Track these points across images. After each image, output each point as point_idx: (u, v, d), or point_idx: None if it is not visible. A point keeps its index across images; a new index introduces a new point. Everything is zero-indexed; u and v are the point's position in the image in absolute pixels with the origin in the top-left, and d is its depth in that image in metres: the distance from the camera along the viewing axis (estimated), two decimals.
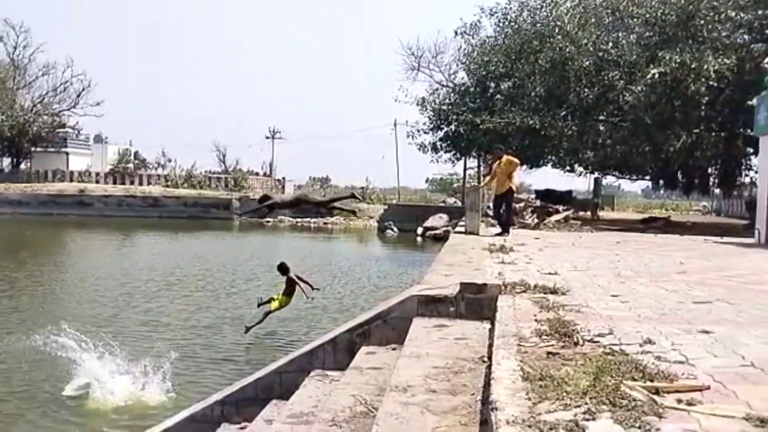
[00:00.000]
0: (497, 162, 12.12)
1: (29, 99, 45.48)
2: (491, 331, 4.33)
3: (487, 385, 3.27)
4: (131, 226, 31.54)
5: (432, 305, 4.95)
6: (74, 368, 7.62)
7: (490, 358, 3.66)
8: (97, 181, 41.46)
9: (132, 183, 41.55)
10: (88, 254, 22.66)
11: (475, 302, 4.81)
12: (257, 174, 49.80)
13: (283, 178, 47.72)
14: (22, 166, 45.67)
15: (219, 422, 5.51)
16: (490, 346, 3.84)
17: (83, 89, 46.16)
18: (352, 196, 14.75)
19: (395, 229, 32.27)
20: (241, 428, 5.31)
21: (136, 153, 48.04)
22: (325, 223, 35.91)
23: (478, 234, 11.44)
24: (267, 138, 55.15)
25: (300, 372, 5.43)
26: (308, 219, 36.50)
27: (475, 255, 7.85)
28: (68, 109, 46.66)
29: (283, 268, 10.16)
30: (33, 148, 45.52)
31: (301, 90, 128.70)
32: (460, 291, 4.86)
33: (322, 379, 5.12)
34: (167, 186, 41.48)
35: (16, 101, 44.21)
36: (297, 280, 10.08)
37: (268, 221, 36.14)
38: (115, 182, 41.45)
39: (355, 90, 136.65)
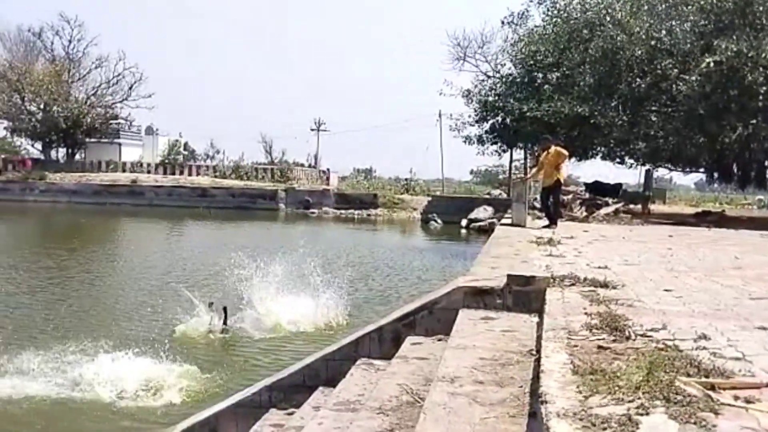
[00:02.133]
0: (545, 153, 11.95)
1: (83, 91, 46.86)
2: (539, 324, 4.30)
3: (535, 377, 3.24)
4: (181, 216, 32.31)
5: (478, 297, 4.93)
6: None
7: (538, 351, 3.63)
8: (149, 172, 42.50)
9: (181, 174, 42.46)
10: (139, 242, 23.34)
11: (523, 295, 4.78)
12: (302, 165, 50.29)
13: (328, 170, 48.05)
14: (77, 156, 47.14)
15: (267, 408, 5.62)
16: (539, 339, 3.81)
17: (135, 82, 47.33)
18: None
19: (439, 221, 32.15)
20: (289, 414, 5.40)
21: (185, 144, 49.07)
22: (368, 215, 36.03)
23: (524, 226, 11.32)
24: (312, 130, 55.67)
25: (346, 360, 5.49)
26: (352, 210, 36.71)
27: (522, 247, 7.78)
28: (121, 101, 47.93)
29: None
30: (87, 139, 46.91)
31: (347, 81, 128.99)
32: (508, 283, 4.84)
33: (368, 368, 5.17)
34: (215, 177, 42.25)
35: (71, 93, 45.58)
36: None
37: (313, 212, 36.50)
38: (165, 173, 42.43)
39: (400, 81, 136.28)
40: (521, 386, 3.22)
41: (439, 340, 4.96)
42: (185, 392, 7.09)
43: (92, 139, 46.83)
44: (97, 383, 7.05)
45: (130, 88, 47.32)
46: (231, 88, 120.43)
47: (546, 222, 11.80)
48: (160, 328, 9.53)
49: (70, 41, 46.83)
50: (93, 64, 47.03)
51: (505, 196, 35.31)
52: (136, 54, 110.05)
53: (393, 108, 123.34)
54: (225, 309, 9.44)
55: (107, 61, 46.74)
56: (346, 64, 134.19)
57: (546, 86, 21.11)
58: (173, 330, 9.47)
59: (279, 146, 53.81)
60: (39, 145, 48.07)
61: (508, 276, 4.85)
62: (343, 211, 36.65)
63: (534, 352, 3.73)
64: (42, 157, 46.39)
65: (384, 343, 5.46)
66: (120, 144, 47.07)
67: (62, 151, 47.96)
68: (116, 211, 34.25)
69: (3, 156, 44.49)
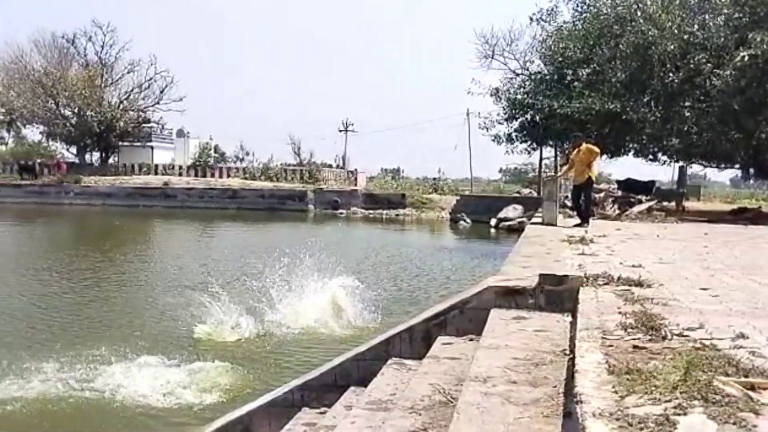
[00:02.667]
0: (576, 151, 11.82)
1: (116, 96, 47.77)
2: (573, 323, 4.26)
3: (570, 377, 3.22)
4: (212, 217, 32.73)
5: (510, 297, 4.90)
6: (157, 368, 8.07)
7: (572, 351, 3.60)
8: (180, 174, 43.11)
9: (212, 176, 42.98)
10: (171, 244, 23.72)
11: (555, 294, 4.74)
12: (330, 166, 50.51)
13: (356, 170, 48.18)
14: (111, 159, 48.06)
15: (299, 407, 5.66)
16: (572, 338, 3.78)
17: (166, 85, 48.09)
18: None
19: (468, 221, 32.00)
20: (321, 413, 5.44)
21: (215, 147, 49.61)
22: (397, 215, 36.03)
23: (555, 225, 11.21)
24: (340, 131, 55.88)
25: (377, 360, 5.50)
26: (380, 210, 36.75)
27: (554, 246, 7.70)
28: (152, 105, 48.75)
29: None
30: (120, 143, 47.78)
31: (374, 82, 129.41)
32: (540, 282, 4.80)
33: (399, 368, 5.18)
34: (245, 178, 42.68)
35: (104, 98, 46.50)
36: None
37: (342, 213, 36.65)
38: (196, 175, 43.00)
39: (427, 80, 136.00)
40: (555, 386, 3.19)
41: (471, 340, 4.94)
42: (218, 391, 7.17)
43: (125, 143, 47.70)
44: (130, 383, 7.15)
45: (162, 92, 48.16)
46: (260, 91, 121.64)
47: (577, 220, 11.67)
48: (192, 328, 9.67)
49: (102, 47, 47.82)
50: (125, 69, 47.97)
51: (535, 194, 34.99)
52: (167, 58, 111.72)
53: (421, 108, 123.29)
54: None
55: (139, 65, 47.64)
56: (374, 65, 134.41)
57: (576, 83, 20.87)
58: (205, 330, 9.60)
59: (307, 147, 54.12)
60: (74, 149, 49.17)
61: (541, 275, 4.81)
62: (371, 212, 36.72)
63: (567, 352, 3.70)
64: (77, 161, 47.40)
65: (415, 342, 5.46)
66: (152, 147, 47.82)
67: (96, 154, 48.93)
68: (149, 213, 34.85)
69: (39, 160, 45.56)
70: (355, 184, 43.09)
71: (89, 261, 17.06)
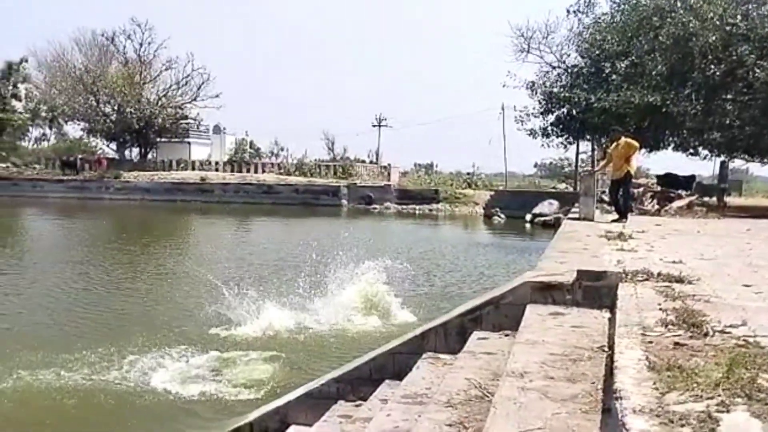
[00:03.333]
0: (614, 145, 11.62)
1: (154, 93, 48.57)
2: (611, 320, 4.21)
3: (609, 374, 3.19)
4: (247, 212, 33.16)
5: (547, 292, 4.87)
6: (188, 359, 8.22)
7: (611, 347, 3.57)
8: (216, 170, 43.71)
9: (248, 171, 43.48)
10: (209, 238, 24.09)
11: (593, 290, 4.69)
12: (363, 161, 50.60)
13: (389, 165, 48.16)
14: (149, 155, 48.98)
15: (335, 399, 5.72)
16: (611, 335, 3.74)
17: (203, 82, 48.76)
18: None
19: (502, 216, 31.75)
20: (356, 406, 5.49)
21: (251, 142, 50.15)
22: (430, 210, 35.95)
23: (593, 220, 11.06)
24: (374, 126, 55.89)
25: (412, 354, 5.53)
26: (413, 205, 36.72)
27: (591, 242, 7.61)
28: (189, 102, 49.46)
29: None
30: (158, 139, 48.67)
31: (407, 76, 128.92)
32: (577, 278, 4.75)
33: (434, 362, 5.19)
34: (280, 174, 43.07)
35: (143, 95, 47.35)
36: None
37: (375, 208, 36.74)
38: (232, 170, 43.55)
39: (462, 74, 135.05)
40: (593, 382, 3.17)
41: (506, 335, 4.93)
42: (253, 384, 7.28)
43: (163, 139, 48.57)
44: (164, 375, 7.32)
45: (199, 89, 48.85)
46: (295, 87, 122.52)
47: (615, 216, 11.49)
48: (226, 322, 9.82)
49: (141, 44, 48.69)
50: (163, 66, 48.78)
51: (571, 189, 34.56)
52: (203, 55, 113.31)
53: (455, 102, 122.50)
54: None
55: (176, 62, 48.40)
56: (408, 59, 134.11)
57: (614, 76, 20.47)
58: (241, 322, 9.74)
59: (341, 143, 54.44)
60: (114, 145, 50.28)
61: (578, 271, 4.76)
62: (404, 207, 36.73)
63: (606, 349, 3.67)
64: (117, 157, 48.45)
65: (450, 337, 5.47)
66: (189, 143, 48.59)
67: (135, 150, 49.93)
68: (186, 208, 35.47)
69: (80, 156, 46.73)
70: (389, 180, 43.09)
71: (128, 254, 17.49)
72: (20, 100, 46.88)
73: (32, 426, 6.18)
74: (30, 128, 49.88)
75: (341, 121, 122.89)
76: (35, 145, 54.14)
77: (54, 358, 7.83)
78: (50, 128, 52.45)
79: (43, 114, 49.11)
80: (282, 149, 50.98)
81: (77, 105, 47.28)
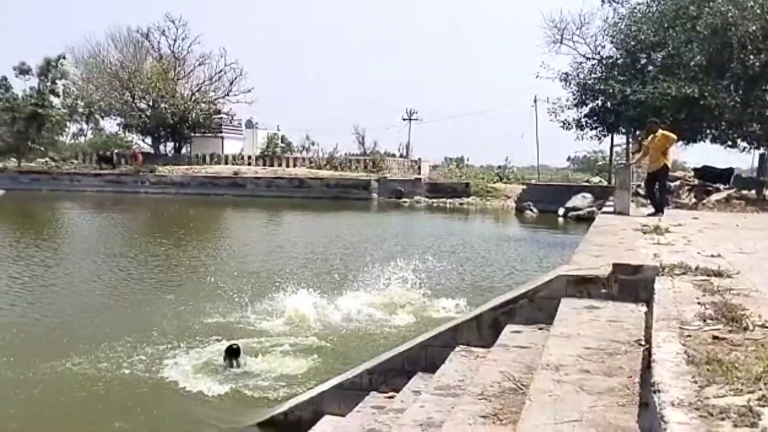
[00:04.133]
0: (650, 137, 11.41)
1: (188, 88, 49.19)
2: (648, 314, 4.16)
3: (646, 367, 3.16)
4: (279, 206, 33.45)
5: (582, 286, 4.83)
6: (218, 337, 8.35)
7: (647, 341, 3.53)
8: (249, 164, 44.16)
9: (279, 165, 43.85)
10: (241, 231, 24.41)
11: (629, 284, 4.64)
12: (393, 155, 50.60)
13: (419, 159, 48.10)
14: (183, 150, 49.70)
15: (367, 390, 5.77)
16: (648, 328, 3.70)
17: (236, 77, 49.25)
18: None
19: (534, 210, 31.40)
20: (389, 397, 5.53)
21: (282, 137, 50.51)
22: (461, 204, 35.78)
23: (628, 214, 10.89)
24: (404, 120, 55.86)
25: (444, 347, 5.54)
26: (444, 199, 36.60)
27: (627, 235, 7.51)
28: (222, 97, 50.05)
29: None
30: (192, 134, 49.30)
31: (438, 69, 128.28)
32: (613, 272, 4.70)
33: (467, 355, 5.20)
34: (311, 168, 43.34)
35: (177, 90, 48.01)
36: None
37: (405, 201, 36.72)
38: (264, 164, 43.96)
39: (493, 66, 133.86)
40: (630, 376, 3.14)
41: (540, 329, 4.91)
42: (286, 373, 7.36)
43: (197, 134, 49.21)
44: (200, 365, 7.43)
45: (231, 84, 49.37)
46: (325, 82, 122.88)
47: (651, 210, 11.31)
48: (260, 313, 9.95)
49: (175, 40, 49.41)
50: (197, 62, 49.44)
51: (605, 183, 34.03)
52: (235, 50, 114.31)
53: (486, 95, 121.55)
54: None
55: (210, 58, 48.99)
56: (438, 53, 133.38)
57: (650, 67, 20.15)
58: (272, 315, 9.86)
59: (371, 137, 54.52)
60: (149, 140, 51.10)
61: (614, 265, 4.71)
62: (435, 200, 36.63)
63: (642, 343, 3.63)
64: (152, 151, 49.29)
65: (482, 330, 5.47)
66: (222, 138, 49.15)
67: (170, 145, 50.71)
68: (220, 202, 35.95)
69: (117, 150, 47.66)
70: (419, 173, 43.04)
71: (162, 247, 17.79)
72: (58, 96, 47.89)
73: (62, 413, 6.29)
74: (68, 124, 50.89)
75: (372, 115, 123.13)
76: (73, 141, 55.37)
77: (85, 348, 8.00)
78: (87, 123, 53.50)
79: (81, 110, 50.09)
80: (313, 143, 51.30)
81: (113, 100, 48.18)
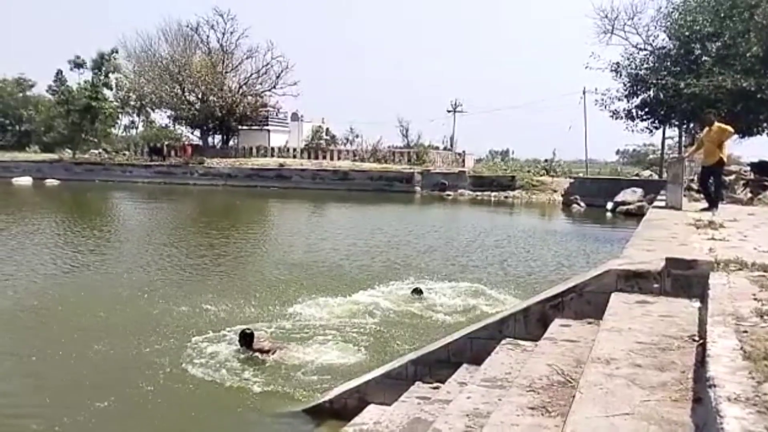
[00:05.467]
0: (705, 130, 11.07)
1: (236, 81, 49.93)
2: (702, 309, 4.07)
3: (700, 363, 3.11)
4: (323, 198, 33.76)
5: (633, 280, 4.75)
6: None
7: (702, 336, 3.46)
8: (294, 156, 44.64)
9: (324, 158, 44.18)
10: (286, 223, 24.72)
11: (683, 279, 4.54)
12: (437, 148, 50.37)
13: (463, 152, 47.77)
14: (231, 142, 50.57)
15: (412, 380, 5.81)
16: (702, 324, 3.62)
17: (282, 70, 49.73)
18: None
19: (582, 204, 30.82)
20: (434, 388, 5.56)
21: (327, 130, 50.89)
22: (506, 197, 35.41)
23: (680, 209, 10.61)
24: (449, 112, 55.54)
25: (490, 339, 5.53)
26: (488, 192, 36.27)
27: (680, 230, 7.33)
28: (269, 90, 50.62)
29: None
30: (239, 126, 50.15)
31: (484, 61, 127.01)
32: (666, 267, 4.61)
33: (514, 348, 5.18)
34: (355, 160, 43.53)
35: (225, 84, 48.81)
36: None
37: (449, 194, 36.55)
38: (309, 157, 44.37)
39: (540, 58, 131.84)
40: (683, 371, 3.09)
41: (589, 323, 4.85)
42: (332, 362, 7.46)
43: (244, 126, 49.98)
44: (246, 354, 7.54)
45: (278, 77, 49.86)
46: (370, 74, 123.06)
47: (705, 204, 10.99)
48: (304, 302, 10.09)
49: (223, 34, 50.11)
50: (244, 55, 50.06)
51: (656, 177, 33.19)
52: (281, 43, 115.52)
53: (532, 87, 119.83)
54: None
55: (257, 51, 49.58)
56: (484, 45, 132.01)
57: (704, 58, 19.50)
58: (317, 304, 9.98)
59: (415, 129, 54.29)
60: (198, 133, 52.17)
61: (667, 259, 4.62)
62: (479, 194, 36.35)
63: (696, 338, 3.56)
64: (200, 144, 50.31)
65: (530, 324, 5.44)
66: (269, 130, 49.76)
67: (218, 137, 51.65)
68: (266, 194, 36.46)
69: (167, 143, 48.82)
70: (463, 166, 42.74)
71: (209, 237, 18.21)
72: (111, 89, 49.34)
73: (107, 395, 6.46)
74: (120, 116, 52.41)
75: (416, 107, 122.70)
76: (125, 133, 57.09)
77: (128, 334, 8.25)
78: (138, 116, 55.06)
79: (132, 102, 51.52)
80: (357, 136, 51.53)
81: (164, 93, 49.28)
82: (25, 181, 41.19)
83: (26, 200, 31.47)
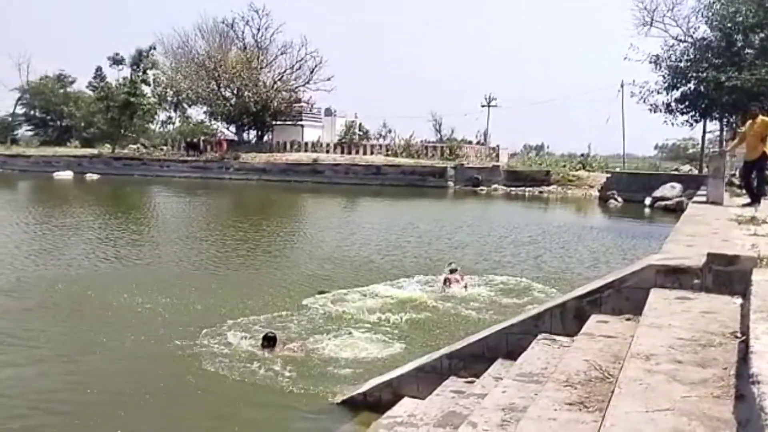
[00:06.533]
0: (748, 123, 10.79)
1: (270, 77, 50.41)
2: (744, 305, 3.99)
3: (742, 360, 3.05)
4: (356, 193, 33.89)
5: (673, 276, 4.67)
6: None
7: (744, 333, 3.40)
8: (327, 151, 44.87)
9: (357, 153, 44.31)
10: (320, 217, 24.87)
11: (725, 275, 4.44)
12: (470, 143, 50.01)
13: (497, 146, 47.36)
14: (265, 138, 51.12)
15: (446, 375, 5.82)
16: (745, 320, 3.55)
17: (316, 66, 50.04)
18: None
19: (619, 199, 30.27)
20: (469, 382, 5.55)
21: (360, 125, 51.01)
22: (540, 192, 35.03)
23: (721, 204, 10.38)
24: (483, 106, 55.08)
25: (526, 334, 5.50)
26: (523, 187, 35.93)
27: (721, 226, 7.18)
28: (303, 85, 51.01)
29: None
30: (274, 122, 50.64)
31: (519, 55, 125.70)
32: (707, 262, 4.52)
33: (550, 343, 5.14)
34: (387, 155, 43.54)
35: (260, 79, 49.33)
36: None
37: (482, 190, 36.33)
38: (342, 152, 44.57)
39: (576, 51, 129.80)
40: (725, 368, 3.04)
41: (628, 319, 4.79)
42: (364, 355, 7.51)
43: (278, 122, 50.44)
44: (279, 347, 7.62)
45: (312, 72, 50.20)
46: (403, 69, 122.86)
47: (747, 200, 10.73)
48: (336, 296, 10.16)
49: (258, 30, 50.64)
50: (279, 51, 50.53)
51: (696, 172, 32.45)
52: (314, 39, 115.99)
53: (567, 81, 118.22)
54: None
55: (291, 47, 49.98)
56: (519, 37, 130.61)
57: (747, 51, 18.97)
58: (346, 299, 10.03)
59: (448, 124, 54.04)
60: (233, 128, 52.85)
61: (709, 254, 4.52)
62: (513, 189, 36.04)
63: (739, 335, 3.49)
64: (236, 139, 50.95)
65: (566, 319, 5.39)
66: (302, 126, 50.09)
67: (252, 132, 52.22)
68: (299, 188, 36.77)
69: (203, 138, 49.56)
70: (497, 161, 42.38)
71: (242, 231, 18.46)
72: (149, 85, 50.27)
73: (144, 388, 6.59)
74: (157, 112, 53.38)
75: (449, 101, 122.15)
76: (162, 128, 58.12)
77: (162, 326, 8.41)
78: (175, 111, 55.89)
79: (169, 98, 52.37)
80: (389, 131, 51.46)
81: (200, 89, 50.01)
82: (66, 175, 42.34)
83: (68, 194, 32.37)
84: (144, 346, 7.81)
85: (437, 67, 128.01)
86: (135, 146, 49.31)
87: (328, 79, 50.02)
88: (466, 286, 10.61)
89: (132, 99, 47.33)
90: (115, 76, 50.17)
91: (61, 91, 59.45)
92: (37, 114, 60.68)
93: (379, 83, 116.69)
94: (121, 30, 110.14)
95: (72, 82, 60.10)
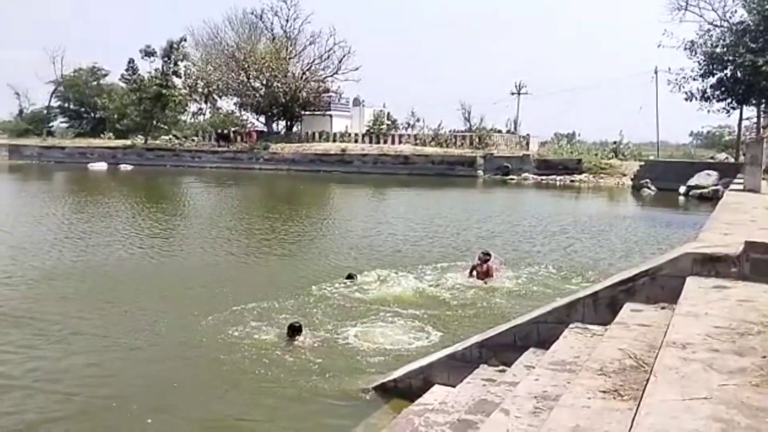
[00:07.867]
0: None
1: (299, 67, 50.67)
2: None
3: None
4: (384, 182, 33.89)
5: (709, 264, 4.59)
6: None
7: None
8: (356, 141, 44.98)
9: (385, 142, 44.31)
10: (348, 207, 24.97)
11: (763, 263, 4.36)
12: (500, 131, 49.58)
13: (527, 135, 46.88)
14: (294, 128, 51.45)
15: (477, 363, 5.81)
16: None
17: (344, 56, 50.17)
18: None
19: (652, 188, 29.73)
20: (500, 371, 5.54)
21: (388, 114, 50.96)
22: (572, 181, 34.60)
23: (759, 192, 10.14)
24: (512, 94, 54.55)
25: (558, 323, 5.46)
26: (554, 176, 35.52)
27: (759, 214, 7.02)
28: (331, 75, 51.19)
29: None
30: (302, 112, 50.91)
31: (550, 41, 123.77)
32: (745, 250, 4.43)
33: (583, 332, 5.10)
34: (416, 145, 43.45)
35: (289, 70, 49.60)
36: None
37: (512, 179, 36.04)
38: (370, 142, 44.62)
39: (608, 37, 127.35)
40: (764, 356, 2.98)
41: (663, 308, 4.72)
42: (394, 343, 7.53)
43: (307, 112, 50.68)
44: (310, 334, 7.70)
45: (340, 62, 50.34)
46: (432, 58, 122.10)
47: None
48: (364, 285, 10.20)
49: (287, 20, 50.91)
50: (307, 41, 50.77)
51: (732, 160, 31.73)
52: (342, 28, 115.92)
53: (598, 67, 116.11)
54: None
55: (319, 37, 50.09)
56: (549, 23, 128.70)
57: None
58: (376, 288, 10.05)
59: (477, 112, 53.53)
60: (262, 119, 53.29)
61: (746, 242, 4.44)
62: (543, 177, 35.68)
63: None
64: (265, 129, 51.34)
65: (599, 308, 5.33)
66: (331, 116, 50.27)
67: (282, 123, 52.58)
68: (328, 178, 36.94)
69: (233, 129, 50.04)
70: (527, 149, 41.98)
71: (271, 221, 18.62)
72: (180, 77, 50.90)
73: (182, 373, 6.77)
74: (188, 103, 54.02)
75: (478, 89, 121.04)
76: (193, 119, 58.81)
77: (191, 315, 8.51)
78: (206, 103, 56.47)
79: (200, 90, 52.94)
80: (418, 120, 51.35)
81: (230, 81, 50.48)
82: (101, 166, 43.21)
83: (102, 185, 33.02)
84: (174, 333, 7.94)
85: (467, 55, 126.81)
86: (167, 137, 50.03)
87: (356, 69, 50.14)
88: (492, 275, 10.55)
89: (163, 91, 47.95)
90: (147, 68, 50.98)
91: (95, 83, 60.55)
92: (71, 106, 61.92)
93: (408, 72, 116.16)
94: (153, 22, 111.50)
95: (105, 75, 61.22)
